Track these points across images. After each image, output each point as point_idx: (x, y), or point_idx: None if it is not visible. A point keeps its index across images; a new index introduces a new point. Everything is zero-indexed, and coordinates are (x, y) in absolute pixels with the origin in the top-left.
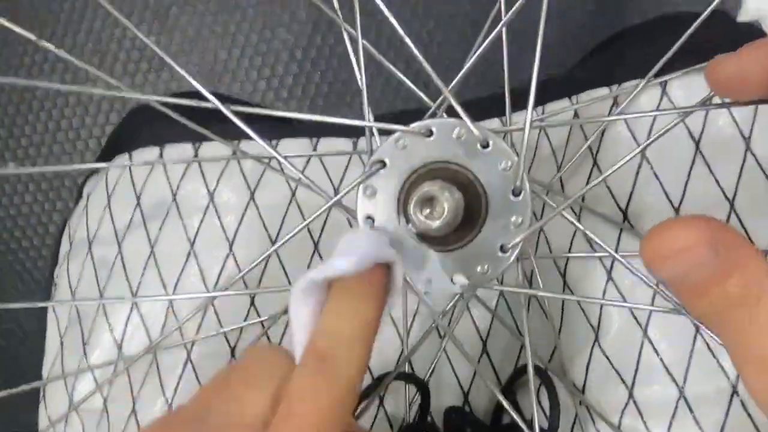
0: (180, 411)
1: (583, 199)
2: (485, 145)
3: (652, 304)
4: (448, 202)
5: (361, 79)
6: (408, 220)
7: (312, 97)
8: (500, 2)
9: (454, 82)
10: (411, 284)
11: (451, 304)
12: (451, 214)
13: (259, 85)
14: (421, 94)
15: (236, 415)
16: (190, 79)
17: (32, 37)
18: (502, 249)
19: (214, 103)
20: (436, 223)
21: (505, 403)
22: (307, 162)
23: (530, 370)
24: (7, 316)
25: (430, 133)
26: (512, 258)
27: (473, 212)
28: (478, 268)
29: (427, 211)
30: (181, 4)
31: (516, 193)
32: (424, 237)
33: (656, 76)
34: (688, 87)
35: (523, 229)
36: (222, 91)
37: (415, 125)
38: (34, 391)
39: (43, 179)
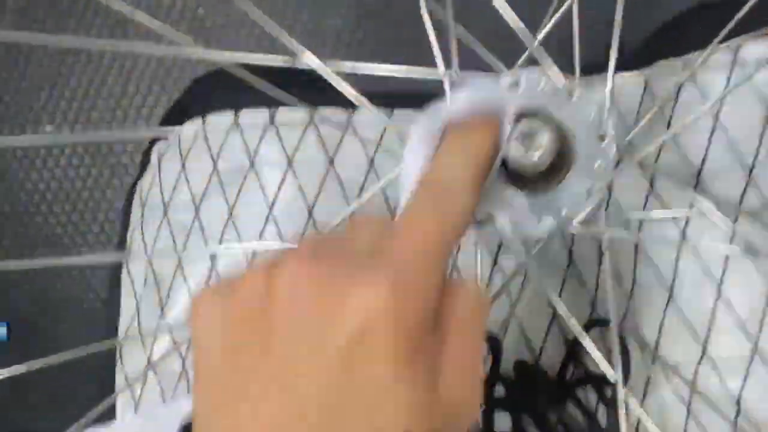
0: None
1: (656, 160)
2: (569, 95)
3: (728, 257)
4: (547, 135)
5: (449, 30)
6: (502, 162)
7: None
8: None
9: (540, 35)
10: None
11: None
12: (549, 149)
13: None
14: (494, 58)
15: (352, 242)
16: (287, 39)
17: (127, 8)
18: (588, 192)
19: (312, 65)
20: (536, 155)
21: (586, 343)
22: (384, 131)
23: (612, 306)
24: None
25: (517, 84)
26: (597, 199)
27: (559, 157)
28: (563, 212)
29: (527, 144)
30: None
31: (600, 139)
32: (514, 179)
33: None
34: (761, 51)
35: (607, 173)
36: None
37: (503, 76)
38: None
39: (77, 146)
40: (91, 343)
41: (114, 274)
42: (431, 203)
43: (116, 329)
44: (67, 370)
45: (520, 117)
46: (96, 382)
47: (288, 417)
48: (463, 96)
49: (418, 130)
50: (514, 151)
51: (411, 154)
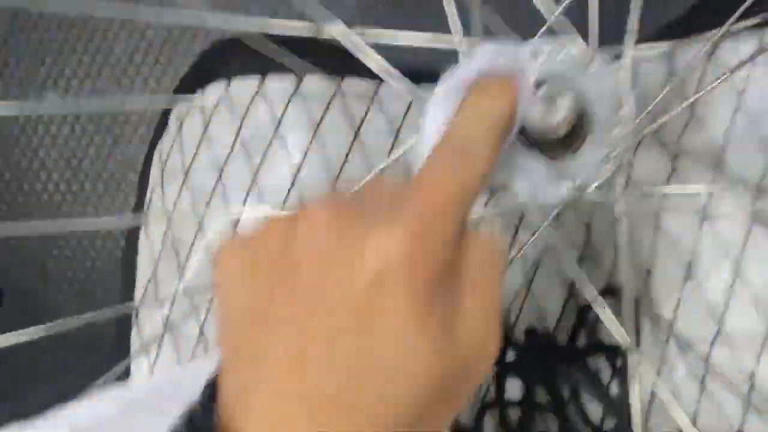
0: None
1: (678, 139)
2: (589, 66)
3: (747, 235)
4: (567, 100)
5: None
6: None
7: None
8: None
9: (561, 8)
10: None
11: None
12: (568, 113)
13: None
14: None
15: (371, 197)
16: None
17: None
18: (603, 161)
19: (335, 34)
20: (555, 119)
21: (597, 307)
22: (410, 104)
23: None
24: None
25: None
26: (613, 167)
27: (577, 126)
28: (579, 179)
29: (547, 108)
30: None
31: (618, 109)
32: (532, 145)
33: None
34: None
35: (623, 142)
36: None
37: (524, 45)
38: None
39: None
40: (107, 307)
41: (130, 237)
42: (451, 158)
43: (132, 295)
44: (66, 342)
45: (540, 83)
46: (100, 353)
47: (309, 359)
48: (488, 54)
49: (443, 86)
50: (534, 114)
51: (434, 108)
